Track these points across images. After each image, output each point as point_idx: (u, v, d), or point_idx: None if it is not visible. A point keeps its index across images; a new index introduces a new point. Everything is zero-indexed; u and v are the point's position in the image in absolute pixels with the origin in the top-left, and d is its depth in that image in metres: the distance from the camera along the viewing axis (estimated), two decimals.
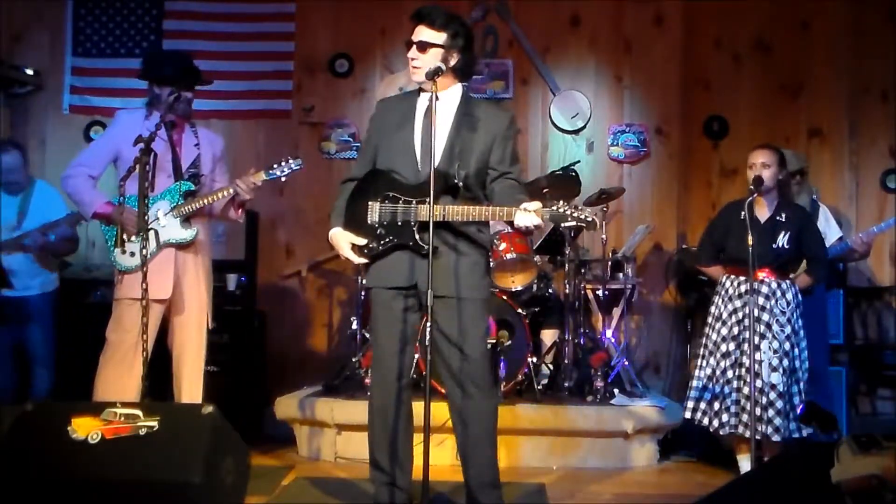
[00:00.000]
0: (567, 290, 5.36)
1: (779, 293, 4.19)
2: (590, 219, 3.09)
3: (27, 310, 4.88)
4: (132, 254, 3.79)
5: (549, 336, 5.44)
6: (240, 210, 4.16)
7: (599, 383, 5.02)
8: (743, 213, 3.98)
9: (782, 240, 4.20)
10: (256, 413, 5.54)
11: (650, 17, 6.25)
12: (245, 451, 3.28)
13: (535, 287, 5.32)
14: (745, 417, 4.08)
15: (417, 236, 3.18)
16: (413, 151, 3.28)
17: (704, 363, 4.30)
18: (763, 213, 4.26)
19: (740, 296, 4.19)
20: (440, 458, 4.22)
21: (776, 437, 4.04)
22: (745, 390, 4.09)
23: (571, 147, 6.29)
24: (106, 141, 4.03)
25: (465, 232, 3.30)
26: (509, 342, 4.92)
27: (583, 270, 5.67)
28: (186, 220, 3.95)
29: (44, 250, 4.88)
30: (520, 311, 5.03)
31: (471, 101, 3.39)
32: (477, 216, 3.19)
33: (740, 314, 4.17)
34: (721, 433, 4.20)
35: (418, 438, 3.19)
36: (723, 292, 4.30)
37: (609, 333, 5.63)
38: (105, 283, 5.36)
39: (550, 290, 5.54)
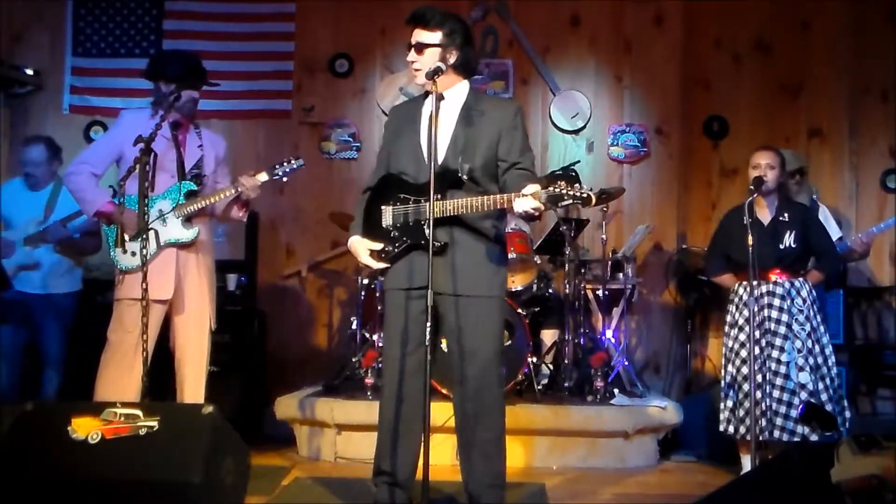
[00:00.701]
0: (567, 290, 5.36)
1: (793, 292, 4.18)
2: (586, 195, 3.03)
3: (41, 309, 4.88)
4: (133, 253, 3.79)
5: (549, 336, 5.44)
6: (243, 210, 4.16)
7: (599, 383, 5.01)
8: (744, 216, 3.96)
9: (789, 239, 4.20)
10: (256, 413, 5.54)
11: (650, 17, 6.25)
12: (245, 451, 3.28)
13: (535, 287, 5.33)
14: (778, 422, 4.06)
15: (428, 234, 3.14)
16: (419, 151, 3.29)
17: (724, 372, 4.29)
18: (765, 214, 4.26)
19: (756, 300, 4.16)
20: (440, 458, 4.22)
21: (814, 437, 4.00)
22: (775, 394, 4.08)
23: (571, 147, 6.29)
24: (110, 140, 4.03)
25: (480, 227, 3.28)
26: (509, 342, 4.91)
27: (583, 270, 5.67)
28: (188, 220, 3.95)
29: (66, 244, 4.89)
30: (520, 311, 5.02)
31: (477, 96, 3.41)
32: (479, 206, 3.17)
33: (758, 318, 4.13)
34: (748, 438, 4.07)
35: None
36: (736, 299, 4.29)
37: (609, 333, 5.63)
38: (105, 283, 5.36)
39: (550, 290, 5.54)
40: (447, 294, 3.24)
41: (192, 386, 4.01)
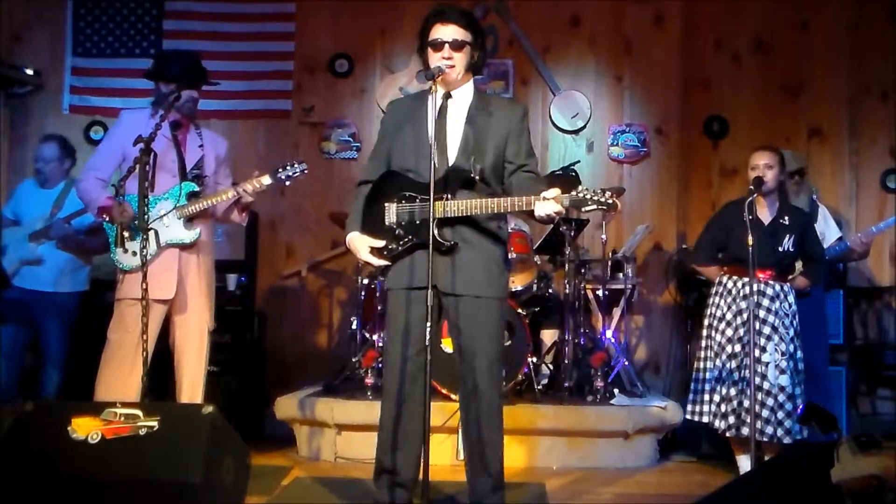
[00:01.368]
0: (567, 290, 5.36)
1: (782, 295, 4.19)
2: (610, 201, 3.07)
3: (43, 307, 4.89)
4: (133, 253, 3.79)
5: (549, 336, 5.44)
6: (244, 213, 4.16)
7: (599, 383, 5.01)
8: (745, 213, 3.96)
9: (787, 243, 4.19)
10: (256, 413, 5.54)
11: (650, 17, 6.26)
12: (245, 451, 3.28)
13: (535, 287, 5.32)
14: (750, 419, 4.07)
15: (436, 233, 3.14)
16: (427, 150, 3.27)
17: (710, 364, 4.27)
18: (765, 214, 4.25)
19: (745, 297, 4.16)
20: (440, 458, 4.22)
21: (787, 439, 4.03)
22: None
23: (571, 147, 6.29)
24: (111, 143, 4.03)
25: (487, 228, 3.28)
26: (509, 342, 4.91)
27: (583, 270, 5.66)
28: (189, 220, 3.95)
29: (69, 241, 4.89)
30: (520, 311, 5.02)
31: (482, 95, 3.42)
32: (496, 208, 3.17)
33: (745, 315, 4.14)
34: (728, 435, 4.16)
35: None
36: (724, 292, 4.28)
37: (609, 333, 5.63)
38: (105, 282, 5.36)
39: (550, 290, 5.54)
40: (455, 294, 3.24)
41: (192, 386, 4.01)
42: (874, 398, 5.93)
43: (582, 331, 5.45)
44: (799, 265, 4.33)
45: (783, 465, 2.66)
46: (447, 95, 3.20)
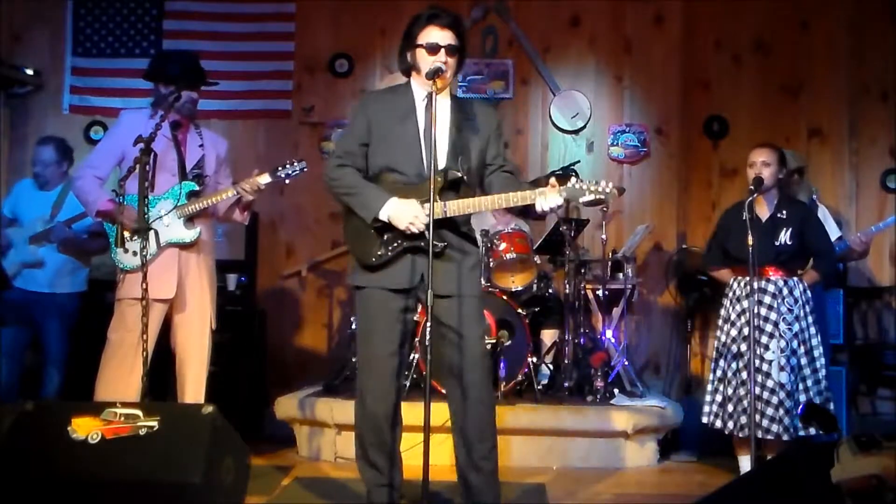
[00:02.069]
0: (567, 290, 5.36)
1: (785, 291, 4.18)
2: (608, 190, 3.12)
3: (43, 307, 4.88)
4: (134, 253, 3.79)
5: (549, 336, 5.44)
6: (245, 212, 4.16)
7: (599, 383, 5.02)
8: (744, 213, 3.97)
9: (784, 236, 4.19)
10: (256, 413, 5.54)
11: (650, 17, 6.26)
12: (245, 451, 3.28)
13: (535, 287, 5.32)
14: (757, 418, 4.05)
15: (428, 235, 3.13)
16: (417, 150, 3.28)
17: (716, 366, 4.29)
18: (764, 212, 4.26)
19: (748, 296, 4.16)
20: (439, 458, 4.22)
21: (786, 437, 4.03)
22: (756, 391, 4.08)
23: (571, 147, 6.29)
24: (111, 142, 4.02)
25: (462, 231, 3.34)
26: (509, 342, 4.92)
27: (583, 270, 5.67)
28: (190, 220, 3.95)
29: (70, 244, 4.89)
30: (520, 311, 5.03)
31: (459, 99, 3.46)
32: (494, 205, 3.22)
33: (747, 314, 4.15)
34: (740, 435, 4.13)
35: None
36: (731, 294, 4.29)
37: (609, 333, 5.62)
38: (105, 282, 5.36)
39: (550, 290, 5.54)
40: (447, 296, 3.26)
41: (193, 386, 4.01)
42: (874, 398, 5.93)
43: (582, 331, 5.45)
44: (811, 261, 4.34)
45: (783, 465, 2.67)
46: (430, 96, 3.18)
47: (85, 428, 3.03)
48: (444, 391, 3.42)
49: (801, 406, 4.08)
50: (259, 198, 4.15)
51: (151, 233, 3.68)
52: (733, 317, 4.24)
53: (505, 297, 5.06)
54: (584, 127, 6.27)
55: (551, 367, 5.35)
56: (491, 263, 5.05)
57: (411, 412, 3.44)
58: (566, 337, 5.27)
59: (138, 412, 3.06)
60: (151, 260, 3.74)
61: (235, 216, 4.16)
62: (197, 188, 3.99)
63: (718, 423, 4.21)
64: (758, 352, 4.10)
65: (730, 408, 4.16)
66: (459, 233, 3.33)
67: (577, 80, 6.30)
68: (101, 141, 4.20)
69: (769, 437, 4.05)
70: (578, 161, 5.82)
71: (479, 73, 6.28)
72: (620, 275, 5.70)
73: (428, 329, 3.03)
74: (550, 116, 6.28)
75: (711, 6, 6.25)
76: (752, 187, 4.08)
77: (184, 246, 3.95)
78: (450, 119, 3.32)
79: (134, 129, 3.76)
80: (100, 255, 5.07)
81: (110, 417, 3.05)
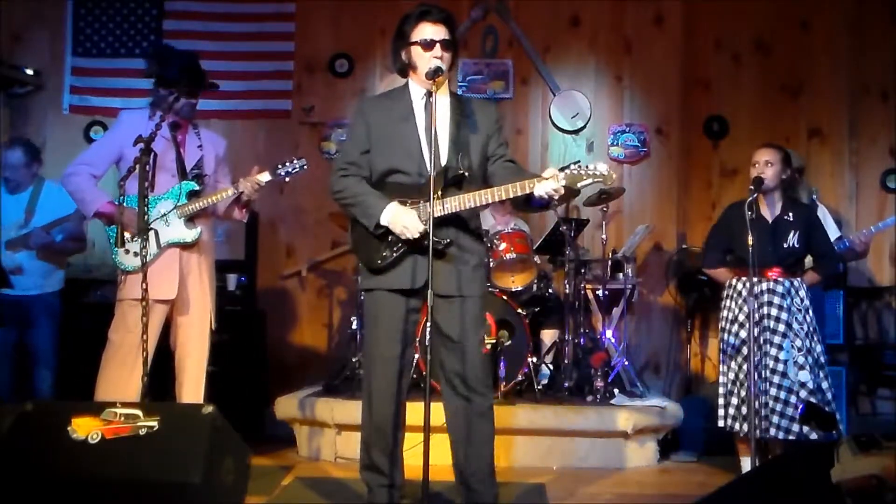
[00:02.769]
0: (567, 290, 5.36)
1: (793, 291, 4.18)
2: (605, 171, 3.13)
3: (33, 309, 4.88)
4: (134, 254, 3.79)
5: (549, 336, 5.44)
6: (244, 210, 4.16)
7: (599, 383, 5.02)
8: (749, 213, 3.96)
9: (792, 239, 4.19)
10: (256, 413, 5.54)
11: (650, 17, 6.26)
12: (245, 451, 3.28)
13: (535, 287, 5.33)
14: (774, 419, 4.06)
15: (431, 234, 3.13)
16: (418, 149, 3.28)
17: (726, 368, 4.25)
18: (768, 212, 4.25)
19: (756, 296, 4.16)
20: (439, 458, 4.21)
21: (814, 436, 3.99)
22: (773, 392, 4.07)
23: (571, 147, 6.29)
24: (109, 141, 4.03)
25: (469, 228, 3.33)
26: (509, 342, 4.92)
27: (583, 270, 5.67)
28: (190, 220, 3.95)
29: (48, 249, 4.88)
30: (520, 311, 5.03)
31: (458, 96, 3.46)
32: (492, 197, 3.21)
33: (757, 315, 4.12)
34: (764, 437, 4.09)
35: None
36: (734, 294, 4.27)
37: (609, 333, 5.63)
38: (105, 282, 5.37)
39: (550, 290, 5.55)
40: (449, 296, 3.26)
41: (193, 386, 4.01)
42: (874, 398, 5.93)
43: (582, 331, 5.45)
44: (809, 261, 4.33)
45: (783, 465, 2.67)
46: (429, 95, 3.19)
47: (85, 428, 3.03)
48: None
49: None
50: (259, 197, 4.15)
51: (152, 233, 3.68)
52: (741, 318, 4.20)
53: (505, 297, 5.06)
54: (584, 127, 6.27)
55: (551, 367, 5.35)
56: (491, 263, 5.05)
57: (411, 412, 3.43)
58: (566, 337, 5.27)
59: (138, 412, 3.06)
60: (152, 260, 3.74)
61: (235, 214, 4.16)
62: (197, 188, 3.99)
63: (737, 426, 4.17)
64: (771, 353, 4.09)
65: (744, 410, 4.12)
66: (468, 230, 3.32)
67: (577, 80, 6.30)
68: (100, 139, 4.20)
69: (790, 437, 4.00)
70: (578, 161, 5.76)
71: (479, 73, 6.28)
72: (620, 275, 5.70)
73: (428, 329, 3.04)
74: (550, 116, 6.28)
75: (711, 6, 6.25)
76: (752, 187, 4.07)
77: (184, 246, 3.95)
78: (450, 116, 3.32)
79: (133, 129, 3.76)
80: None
81: (110, 417, 3.05)
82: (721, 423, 4.25)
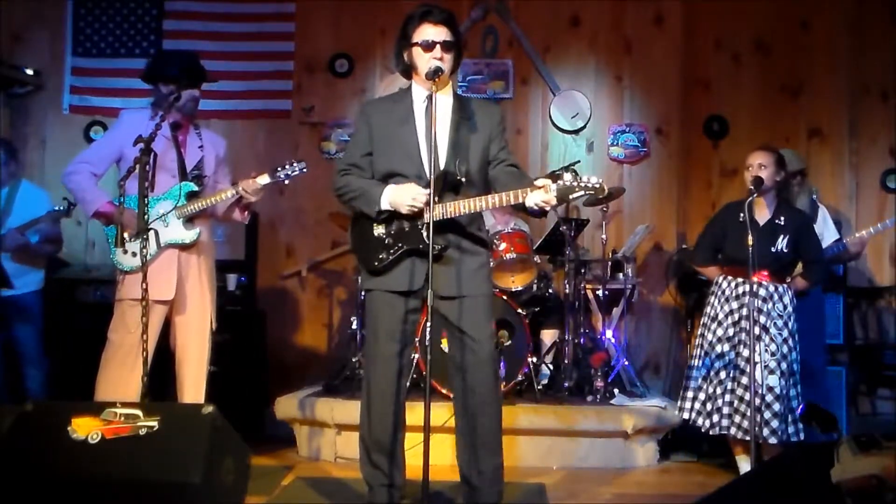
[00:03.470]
0: (567, 290, 5.36)
1: (776, 296, 4.18)
2: (597, 185, 3.11)
3: (15, 309, 4.87)
4: (133, 254, 3.79)
5: (549, 336, 5.44)
6: (245, 212, 4.16)
7: (599, 383, 5.02)
8: (742, 214, 3.97)
9: (781, 243, 4.19)
10: (256, 413, 5.54)
11: (650, 17, 6.26)
12: (245, 451, 3.28)
13: (535, 287, 5.33)
14: (737, 419, 4.09)
15: (427, 237, 3.14)
16: (417, 152, 3.28)
17: (699, 363, 4.29)
18: (762, 215, 4.25)
19: (738, 297, 4.18)
20: (440, 458, 4.22)
21: (773, 440, 4.04)
22: (739, 391, 4.09)
23: (571, 147, 6.29)
24: (110, 140, 4.03)
25: (469, 231, 3.33)
26: (509, 342, 4.92)
27: (583, 270, 5.67)
28: (189, 220, 3.95)
29: (23, 251, 4.87)
30: (520, 311, 5.03)
31: (461, 97, 3.45)
32: (486, 205, 3.21)
33: (736, 315, 4.16)
34: (712, 433, 4.20)
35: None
36: (719, 293, 4.29)
37: (609, 333, 5.62)
38: (105, 282, 5.36)
39: (550, 290, 5.55)
40: (454, 297, 3.26)
41: (193, 386, 4.01)
42: (874, 398, 5.93)
43: (582, 331, 5.45)
44: (799, 267, 4.33)
45: (783, 465, 2.67)
46: (430, 97, 3.18)
47: (85, 428, 3.03)
48: (444, 391, 3.43)
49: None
50: (259, 198, 4.15)
51: (151, 233, 3.68)
52: (721, 316, 4.23)
53: (505, 297, 5.06)
54: (584, 127, 6.27)
55: (551, 367, 5.34)
56: (491, 263, 5.05)
57: (411, 412, 3.44)
58: (566, 337, 5.27)
59: (138, 412, 3.06)
60: (151, 260, 3.73)
61: (235, 216, 4.16)
62: (196, 189, 3.99)
63: (700, 421, 4.23)
64: (743, 353, 4.09)
65: (709, 406, 4.19)
66: (465, 233, 3.32)
67: (577, 80, 6.30)
68: (100, 138, 4.20)
69: (748, 438, 4.02)
70: (578, 161, 5.81)
71: (479, 73, 6.28)
72: (620, 275, 5.70)
73: (428, 329, 3.04)
74: (550, 116, 6.28)
75: (711, 6, 6.25)
76: (751, 188, 4.08)
77: (183, 247, 3.95)
78: (451, 118, 3.32)
79: (134, 128, 3.75)
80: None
81: (110, 417, 3.05)
82: (686, 416, 4.29)
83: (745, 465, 4.20)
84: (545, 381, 5.21)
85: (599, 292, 5.67)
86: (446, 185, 3.23)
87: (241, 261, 5.92)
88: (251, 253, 6.05)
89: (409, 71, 3.36)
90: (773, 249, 4.17)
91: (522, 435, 4.66)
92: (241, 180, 4.00)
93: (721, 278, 4.31)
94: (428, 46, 3.23)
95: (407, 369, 3.40)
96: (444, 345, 4.45)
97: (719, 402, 4.14)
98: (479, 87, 6.25)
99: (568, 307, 5.33)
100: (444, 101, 3.32)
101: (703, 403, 4.22)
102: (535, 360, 5.07)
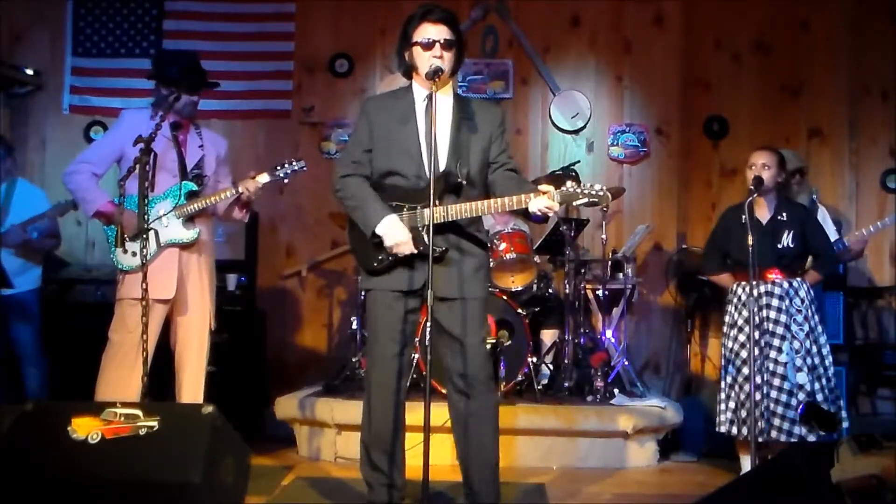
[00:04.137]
0: (567, 290, 5.36)
1: (791, 292, 4.17)
2: (602, 192, 3.10)
3: (14, 308, 4.87)
4: (133, 254, 3.79)
5: (549, 336, 5.44)
6: (244, 211, 4.16)
7: (599, 383, 5.02)
8: (743, 215, 3.97)
9: (787, 239, 4.19)
10: (256, 413, 5.54)
11: (650, 17, 6.26)
12: (245, 451, 3.28)
13: (535, 287, 5.33)
14: (776, 422, 4.06)
15: (427, 240, 3.14)
16: (417, 153, 3.28)
17: (725, 373, 4.26)
18: (764, 214, 4.25)
19: (756, 300, 4.15)
20: (440, 458, 4.22)
21: (812, 437, 4.01)
22: (773, 395, 4.07)
23: (571, 147, 6.29)
24: (111, 140, 4.03)
25: (468, 232, 3.32)
26: (509, 342, 4.91)
27: (583, 270, 5.67)
28: (189, 220, 3.95)
29: (26, 247, 4.87)
30: (520, 311, 5.03)
31: (461, 98, 3.44)
32: (488, 209, 3.21)
33: (757, 319, 4.12)
34: (759, 440, 4.05)
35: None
36: (735, 300, 4.26)
37: (609, 333, 5.63)
38: (105, 282, 5.37)
39: (550, 290, 5.54)
40: (451, 298, 3.26)
41: (192, 386, 4.01)
42: (874, 398, 5.94)
43: (582, 331, 5.45)
44: (809, 261, 4.33)
45: (783, 465, 2.67)
46: (430, 97, 3.17)
47: (85, 428, 3.03)
48: (444, 391, 3.42)
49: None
50: (259, 197, 4.15)
51: (151, 233, 3.68)
52: (740, 322, 4.21)
53: (505, 297, 5.06)
54: (584, 127, 6.27)
55: (551, 367, 5.34)
56: (491, 263, 5.05)
57: (411, 412, 3.44)
58: (566, 337, 5.27)
59: (138, 412, 3.06)
60: (151, 260, 3.73)
61: (235, 214, 4.16)
62: (196, 188, 3.99)
63: (734, 430, 4.17)
64: (771, 355, 4.09)
65: (742, 413, 4.13)
66: (464, 234, 3.31)
67: (577, 80, 6.30)
68: (101, 138, 4.20)
69: (792, 439, 4.00)
70: (578, 161, 5.82)
71: (479, 73, 6.28)
72: (620, 275, 5.70)
73: (428, 329, 3.04)
74: (550, 116, 6.28)
75: (711, 6, 6.25)
76: (751, 188, 4.07)
77: (183, 246, 3.95)
78: (451, 119, 3.31)
79: (134, 128, 3.76)
80: (50, 252, 5.13)
81: (110, 417, 3.05)
82: (723, 429, 4.24)
83: (747, 464, 4.19)
84: (545, 381, 5.21)
85: (599, 292, 5.67)
86: (447, 187, 3.22)
87: (241, 261, 5.92)
88: (251, 253, 6.05)
89: (410, 71, 3.35)
90: (778, 246, 4.17)
91: (522, 435, 4.66)
92: (241, 179, 4.00)
93: (736, 285, 4.29)
94: (427, 45, 3.22)
95: (407, 370, 3.39)
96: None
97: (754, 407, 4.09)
98: (479, 87, 6.25)
99: (568, 307, 5.33)
100: (445, 101, 3.31)
101: (735, 412, 4.17)
102: (535, 360, 5.07)
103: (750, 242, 3.85)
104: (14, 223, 4.85)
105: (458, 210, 3.19)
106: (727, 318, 4.31)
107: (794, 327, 4.12)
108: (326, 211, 5.81)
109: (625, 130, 6.27)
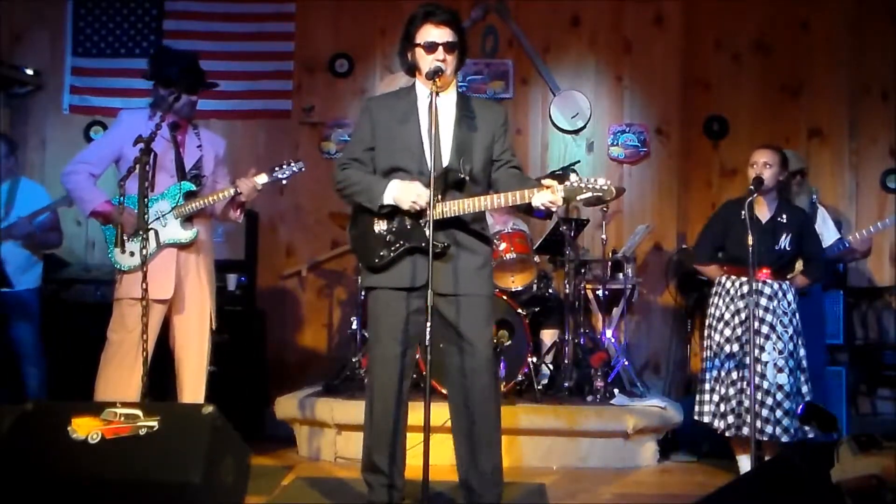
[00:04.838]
0: (567, 290, 5.36)
1: (780, 294, 4.18)
2: (606, 186, 3.10)
3: (13, 307, 4.88)
4: (132, 253, 3.79)
5: (549, 336, 5.44)
6: (238, 210, 4.16)
7: (599, 383, 5.02)
8: (743, 212, 3.97)
9: (784, 241, 4.19)
10: (256, 413, 5.54)
11: (650, 17, 6.26)
12: (245, 451, 3.28)
13: (535, 287, 5.33)
14: (748, 419, 4.07)
15: (428, 235, 3.13)
16: (419, 149, 3.28)
17: (710, 364, 4.28)
18: (764, 213, 4.25)
19: (743, 296, 4.17)
20: (439, 458, 4.22)
21: (785, 438, 4.03)
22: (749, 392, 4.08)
23: (571, 147, 6.29)
24: (109, 140, 4.03)
25: (472, 229, 3.32)
26: (509, 342, 4.92)
27: (583, 270, 5.67)
28: (188, 220, 3.95)
29: (32, 239, 4.88)
30: (520, 311, 5.03)
31: (464, 97, 3.44)
32: (492, 204, 3.21)
33: (743, 315, 4.15)
34: (727, 434, 4.17)
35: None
36: (723, 292, 4.29)
37: (609, 333, 5.63)
38: (105, 282, 5.37)
39: (550, 290, 5.54)
40: (454, 295, 3.26)
41: (192, 386, 4.01)
42: (874, 398, 5.94)
43: (582, 331, 5.45)
44: (799, 264, 4.34)
45: (783, 465, 2.67)
46: (432, 96, 3.17)
47: (85, 428, 3.03)
48: (444, 391, 3.42)
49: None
50: (259, 198, 4.16)
51: (150, 233, 3.68)
52: (727, 316, 4.23)
53: (505, 297, 5.06)
54: (584, 127, 6.27)
55: (551, 367, 5.34)
56: (492, 263, 5.05)
57: (411, 412, 3.44)
58: (566, 337, 5.27)
59: (138, 412, 3.06)
60: (150, 260, 3.73)
61: (230, 214, 4.15)
62: (194, 188, 3.99)
63: (716, 423, 4.21)
64: (754, 353, 4.09)
65: (723, 407, 4.17)
66: (469, 230, 3.31)
67: (577, 80, 6.30)
68: (99, 138, 4.20)
69: (763, 438, 4.04)
70: (578, 161, 5.82)
71: (479, 73, 6.28)
72: (620, 275, 5.70)
73: (428, 329, 3.03)
74: (550, 116, 6.28)
75: (711, 6, 6.25)
76: (751, 187, 4.07)
77: (182, 246, 3.95)
78: (454, 117, 3.31)
79: (133, 129, 3.76)
80: (51, 250, 5.15)
81: (110, 417, 3.05)
82: (706, 419, 4.27)
83: (745, 464, 4.19)
84: (545, 381, 5.21)
85: (599, 292, 5.67)
86: (449, 183, 3.22)
87: (241, 261, 5.92)
88: (251, 253, 6.05)
89: (412, 71, 3.36)
90: (776, 248, 4.18)
91: (522, 435, 4.66)
92: (239, 179, 4.00)
93: (724, 278, 4.30)
94: (430, 48, 3.23)
95: (409, 370, 3.38)
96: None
97: (733, 402, 4.12)
98: (479, 87, 6.25)
99: (568, 307, 5.33)
100: (448, 100, 3.32)
101: (718, 405, 4.20)
102: (535, 360, 5.07)
103: (750, 242, 3.85)
104: (18, 215, 4.87)
105: (460, 206, 3.19)
106: (713, 310, 4.32)
107: (779, 328, 4.13)
108: (326, 211, 5.81)
109: (625, 130, 6.27)
